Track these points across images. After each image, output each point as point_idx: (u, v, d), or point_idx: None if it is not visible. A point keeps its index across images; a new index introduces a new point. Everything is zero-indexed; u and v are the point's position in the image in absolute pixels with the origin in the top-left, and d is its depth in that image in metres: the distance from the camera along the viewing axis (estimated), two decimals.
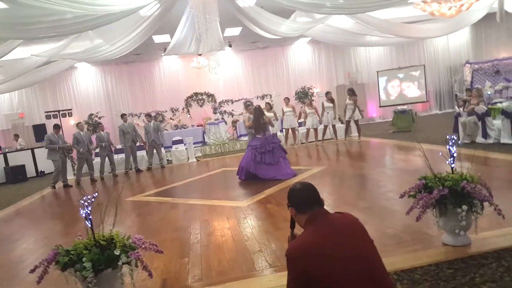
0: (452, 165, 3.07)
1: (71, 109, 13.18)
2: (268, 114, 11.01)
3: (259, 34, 9.58)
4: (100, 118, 13.13)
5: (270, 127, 7.62)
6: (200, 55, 12.94)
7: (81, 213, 2.68)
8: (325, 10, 8.05)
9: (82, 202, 2.67)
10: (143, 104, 14.58)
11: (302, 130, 11.88)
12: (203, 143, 13.27)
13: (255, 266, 3.35)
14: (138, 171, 10.73)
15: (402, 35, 11.24)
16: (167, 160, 11.56)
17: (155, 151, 10.99)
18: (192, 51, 9.43)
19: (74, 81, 14.47)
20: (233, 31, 11.48)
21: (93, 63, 13.69)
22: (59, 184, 9.59)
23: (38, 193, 9.17)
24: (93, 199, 2.70)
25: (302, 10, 8.36)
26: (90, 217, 2.69)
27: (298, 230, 2.12)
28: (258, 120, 7.29)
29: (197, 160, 11.36)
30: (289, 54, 15.93)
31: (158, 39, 10.89)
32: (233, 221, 4.79)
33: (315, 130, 11.27)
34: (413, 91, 13.88)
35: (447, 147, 3.05)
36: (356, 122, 10.82)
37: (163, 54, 11.90)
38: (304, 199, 1.88)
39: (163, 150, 11.41)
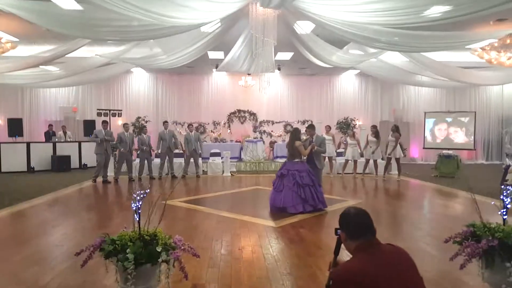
0: (505, 217, 2.93)
1: (121, 110, 13.86)
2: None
3: (310, 60, 9.74)
4: (146, 122, 13.70)
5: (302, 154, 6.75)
6: (249, 74, 13.32)
7: (132, 206, 2.81)
8: (379, 45, 8.09)
9: (135, 196, 2.80)
10: (188, 114, 15.06)
11: (340, 160, 11.77)
12: (239, 159, 13.44)
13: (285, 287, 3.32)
14: (174, 177, 10.99)
15: (456, 79, 11.00)
16: (203, 170, 11.79)
17: (192, 160, 11.26)
18: (243, 70, 9.74)
19: (128, 84, 15.28)
20: (285, 56, 11.73)
21: (148, 70, 14.42)
22: (99, 179, 10.01)
23: (79, 184, 9.63)
24: (145, 195, 2.82)
25: (357, 42, 8.44)
26: (140, 211, 2.81)
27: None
28: (290, 144, 6.80)
29: (232, 174, 11.50)
30: (336, 83, 15.96)
31: (212, 55, 11.33)
32: (265, 240, 4.79)
33: (355, 162, 11.13)
34: (460, 136, 13.39)
35: (501, 197, 2.93)
36: (397, 160, 10.57)
37: (215, 70, 12.33)
38: (358, 225, 1.85)
39: (200, 160, 11.67)
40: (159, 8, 5.46)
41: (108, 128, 10.39)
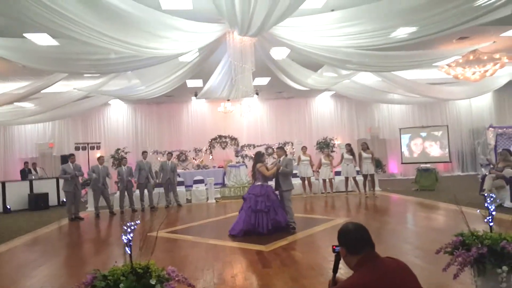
0: (491, 224, 3.05)
1: (100, 143, 13.63)
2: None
3: (286, 84, 10.00)
4: (126, 153, 13.49)
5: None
6: (228, 100, 13.46)
7: (123, 239, 2.75)
8: (351, 67, 8.43)
9: (125, 228, 2.75)
10: (169, 143, 14.98)
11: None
12: (223, 184, 13.35)
13: None
14: (153, 208, 10.66)
15: (426, 95, 11.53)
16: (187, 199, 11.62)
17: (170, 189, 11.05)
18: (223, 96, 9.86)
19: (106, 116, 15.13)
20: (262, 81, 11.99)
21: (126, 101, 14.35)
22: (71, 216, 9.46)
23: (58, 222, 9.26)
24: (135, 226, 2.78)
25: (330, 65, 8.76)
26: (131, 243, 2.76)
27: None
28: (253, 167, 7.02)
29: (216, 201, 11.38)
30: (313, 105, 16.34)
31: (190, 83, 11.44)
32: (257, 265, 4.74)
33: (330, 180, 11.36)
34: (435, 150, 13.85)
35: (486, 205, 3.06)
36: (372, 176, 10.75)
37: (195, 98, 12.41)
38: (358, 240, 1.88)
39: (182, 188, 11.52)
40: (138, 40, 5.53)
41: (77, 162, 10.13)
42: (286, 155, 7.47)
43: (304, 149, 11.69)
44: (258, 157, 6.91)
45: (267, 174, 6.69)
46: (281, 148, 7.33)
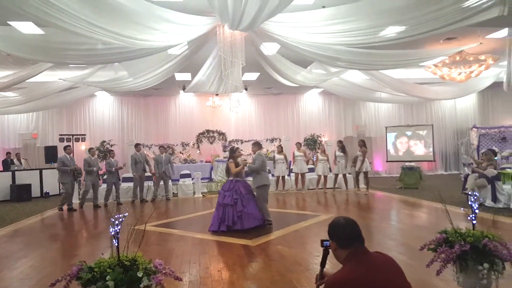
0: (474, 222, 3.12)
1: (85, 135, 13.40)
2: (278, 156, 11.27)
3: (275, 80, 9.99)
4: (112, 146, 13.32)
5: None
6: (217, 95, 13.40)
7: (110, 231, 2.73)
8: (340, 64, 8.49)
9: (113, 220, 2.73)
10: (156, 136, 14.85)
11: (310, 176, 11.99)
12: (210, 179, 13.32)
13: None
14: (143, 201, 10.70)
15: (412, 94, 11.69)
16: (173, 193, 11.57)
17: (161, 182, 11.05)
18: (212, 90, 9.80)
19: (92, 108, 14.87)
20: (251, 76, 11.96)
21: (112, 93, 14.14)
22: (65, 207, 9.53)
23: (41, 213, 9.12)
24: (123, 219, 2.76)
25: (320, 61, 8.80)
26: (119, 235, 2.73)
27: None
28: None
29: (203, 195, 11.36)
30: (301, 102, 16.41)
31: (179, 76, 11.33)
32: (244, 259, 4.76)
33: (325, 177, 11.39)
34: (420, 149, 14.10)
35: (469, 203, 3.13)
36: (365, 174, 10.87)
37: (183, 91, 12.31)
38: (349, 234, 1.91)
39: (170, 182, 11.46)
40: (128, 31, 5.45)
41: (72, 155, 10.03)
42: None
43: (298, 145, 11.75)
44: (231, 153, 6.99)
45: (233, 171, 6.73)
46: (256, 144, 7.38)
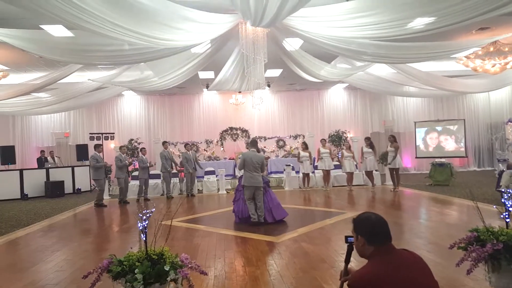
0: (507, 220, 2.99)
1: (113, 133, 13.82)
2: (303, 154, 11.18)
3: (299, 75, 9.90)
4: (139, 143, 13.68)
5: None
6: (240, 92, 13.46)
7: (139, 226, 2.81)
8: (366, 58, 8.28)
9: (141, 216, 2.80)
10: (180, 134, 15.12)
11: (334, 173, 11.85)
12: (234, 176, 13.43)
13: None
14: (169, 197, 10.94)
15: (443, 88, 11.26)
16: (198, 189, 11.77)
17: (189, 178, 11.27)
18: (235, 88, 9.85)
19: (119, 107, 15.32)
20: (274, 73, 11.92)
21: (139, 92, 14.49)
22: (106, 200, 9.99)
23: (73, 209, 9.49)
24: (150, 214, 2.83)
25: (344, 56, 8.64)
26: (146, 230, 2.81)
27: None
28: None
29: (227, 192, 11.47)
30: (325, 97, 16.20)
31: (202, 75, 11.46)
32: (268, 256, 4.77)
33: (351, 174, 11.21)
34: (450, 144, 13.62)
35: (503, 200, 3.00)
36: (397, 170, 10.53)
37: (207, 89, 12.46)
38: (378, 230, 1.88)
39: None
40: (152, 31, 5.55)
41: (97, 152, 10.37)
42: (258, 150, 7.51)
43: (323, 141, 11.61)
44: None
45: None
46: (252, 142, 7.38)
